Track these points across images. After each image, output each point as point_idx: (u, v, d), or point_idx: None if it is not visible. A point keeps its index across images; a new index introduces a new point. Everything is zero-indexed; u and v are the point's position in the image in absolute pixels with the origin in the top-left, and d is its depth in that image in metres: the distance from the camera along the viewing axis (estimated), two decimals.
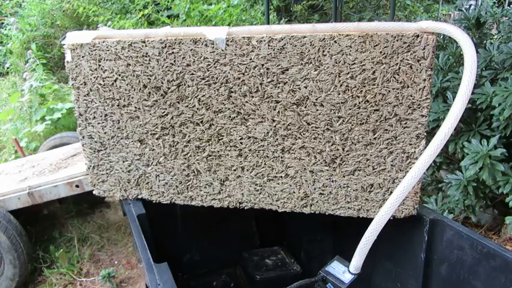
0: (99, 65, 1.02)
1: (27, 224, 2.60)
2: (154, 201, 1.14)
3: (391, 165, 0.96)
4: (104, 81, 1.03)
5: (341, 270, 0.81)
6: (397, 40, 0.87)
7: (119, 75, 1.02)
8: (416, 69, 0.88)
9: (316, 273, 0.88)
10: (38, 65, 4.71)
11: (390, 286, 1.13)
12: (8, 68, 5.56)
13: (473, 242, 0.88)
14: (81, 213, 3.11)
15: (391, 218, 0.82)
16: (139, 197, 1.14)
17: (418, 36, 0.86)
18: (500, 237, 2.22)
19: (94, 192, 1.18)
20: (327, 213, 1.05)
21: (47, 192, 2.37)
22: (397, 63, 0.88)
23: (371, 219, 0.81)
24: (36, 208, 2.61)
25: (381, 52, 0.88)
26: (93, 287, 2.41)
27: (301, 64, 0.92)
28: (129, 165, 1.11)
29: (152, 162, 1.09)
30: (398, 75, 0.89)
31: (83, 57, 1.02)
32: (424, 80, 0.88)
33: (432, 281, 1.01)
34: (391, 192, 0.86)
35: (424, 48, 0.86)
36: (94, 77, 1.03)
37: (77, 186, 2.39)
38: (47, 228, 2.92)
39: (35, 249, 2.61)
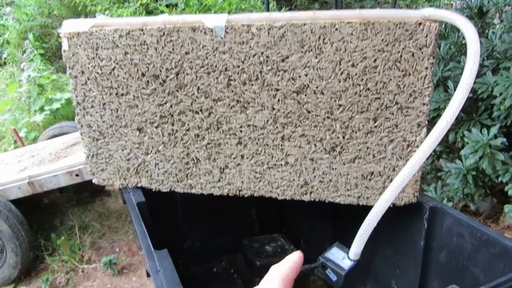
0: (97, 54, 1.01)
1: (28, 213, 2.62)
2: (154, 190, 1.14)
3: (392, 153, 0.96)
4: (101, 69, 1.02)
5: (340, 257, 0.81)
6: (399, 28, 0.86)
7: (117, 63, 1.01)
8: (419, 57, 0.87)
9: (315, 260, 0.88)
10: (35, 55, 4.68)
11: (389, 272, 1.14)
12: (5, 58, 5.52)
13: (473, 229, 0.88)
14: (82, 202, 3.13)
15: (391, 205, 0.82)
16: (139, 185, 1.14)
17: (420, 23, 0.85)
18: (498, 225, 2.24)
19: (93, 180, 1.18)
20: (326, 201, 1.05)
21: (47, 181, 2.38)
22: (398, 51, 0.87)
23: (371, 207, 0.81)
24: (37, 197, 2.62)
25: (382, 40, 0.87)
26: (95, 274, 2.43)
27: (302, 52, 0.92)
28: (128, 154, 1.11)
29: (151, 151, 1.09)
30: (400, 63, 0.88)
31: (80, 45, 1.01)
32: (426, 68, 0.87)
33: (431, 267, 1.01)
34: (391, 180, 0.86)
35: (426, 36, 0.85)
36: (91, 66, 1.02)
37: (77, 175, 2.39)
38: (48, 217, 2.93)
39: (36, 237, 2.62)
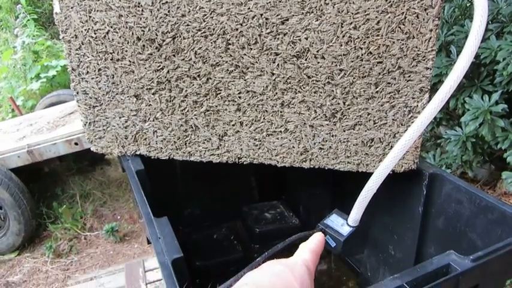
0: (90, 17, 0.97)
1: (29, 181, 2.63)
2: (152, 157, 1.13)
3: (393, 119, 0.95)
4: (95, 33, 0.99)
5: (339, 223, 0.81)
6: None
7: (111, 27, 0.97)
8: (423, 19, 0.84)
9: (315, 226, 0.89)
10: (29, 20, 4.56)
11: (387, 238, 1.15)
12: None
13: (472, 195, 0.88)
14: (82, 170, 3.14)
15: (391, 172, 0.81)
16: (138, 153, 1.13)
17: None
18: (495, 192, 2.26)
19: (92, 148, 1.17)
20: (326, 168, 1.05)
21: (46, 150, 2.38)
22: (403, 12, 0.84)
23: (370, 174, 0.81)
24: (37, 166, 2.63)
25: (386, 0, 0.84)
26: (97, 241, 2.48)
27: (302, 14, 0.88)
28: (126, 121, 1.09)
29: (149, 118, 1.07)
30: (403, 25, 0.85)
31: (72, 8, 0.97)
32: (431, 30, 0.84)
33: (428, 233, 1.02)
34: (392, 147, 0.85)
35: None
36: (85, 30, 0.99)
37: (76, 143, 2.39)
38: (49, 185, 2.96)
39: (38, 205, 2.65)
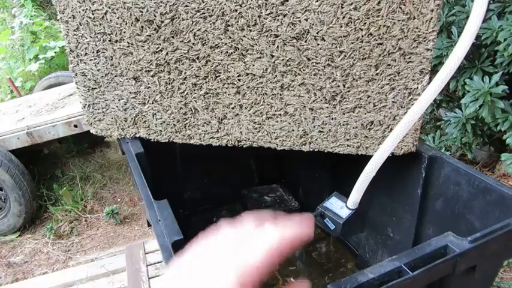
0: None
1: (29, 163, 2.64)
2: (152, 140, 1.13)
3: (393, 101, 0.94)
4: (93, 14, 0.98)
5: (339, 206, 0.82)
6: None
7: (109, 7, 0.96)
8: None
9: (314, 209, 0.89)
10: (26, 0, 4.49)
11: (386, 220, 1.16)
12: None
13: (471, 177, 0.89)
14: (82, 152, 3.15)
15: (390, 155, 0.82)
16: (137, 135, 1.13)
17: None
18: (494, 174, 2.27)
19: (91, 131, 1.16)
20: (325, 151, 1.05)
21: (46, 132, 2.37)
22: None
23: (370, 157, 0.81)
24: (37, 148, 2.63)
25: None
26: (98, 223, 2.50)
27: None
28: (125, 104, 1.09)
29: (148, 101, 1.07)
30: (404, 5, 0.84)
31: None
32: (432, 10, 0.83)
33: (427, 215, 1.03)
34: (391, 130, 0.85)
35: None
36: (82, 10, 0.97)
37: (75, 126, 2.38)
38: (49, 167, 2.96)
39: (38, 187, 2.66)
